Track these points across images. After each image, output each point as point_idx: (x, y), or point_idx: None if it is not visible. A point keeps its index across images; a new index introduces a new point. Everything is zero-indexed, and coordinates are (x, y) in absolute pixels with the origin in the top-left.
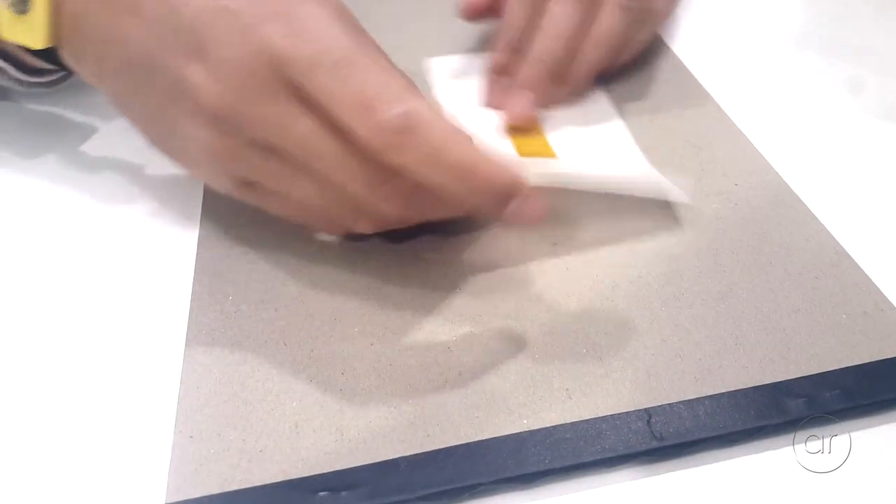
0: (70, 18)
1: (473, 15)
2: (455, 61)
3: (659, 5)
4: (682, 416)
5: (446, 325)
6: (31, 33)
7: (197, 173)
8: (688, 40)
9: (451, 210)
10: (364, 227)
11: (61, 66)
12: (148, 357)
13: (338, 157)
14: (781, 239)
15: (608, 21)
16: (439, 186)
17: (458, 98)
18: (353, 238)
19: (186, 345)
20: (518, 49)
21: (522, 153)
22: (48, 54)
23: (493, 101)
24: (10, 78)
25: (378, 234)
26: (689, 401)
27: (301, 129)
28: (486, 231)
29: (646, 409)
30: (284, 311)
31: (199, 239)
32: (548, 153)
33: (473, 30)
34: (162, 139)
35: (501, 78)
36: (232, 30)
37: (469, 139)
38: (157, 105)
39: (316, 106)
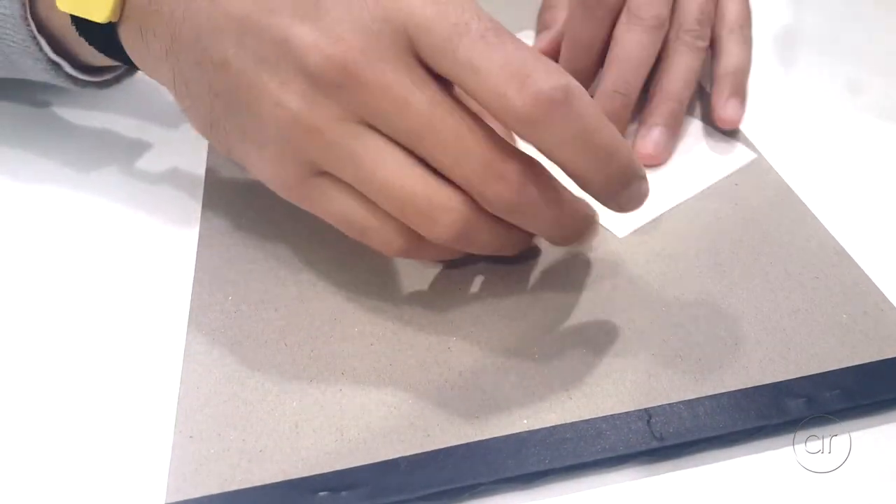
0: None
1: None
2: None
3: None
4: (683, 416)
5: (446, 325)
6: (95, 4)
7: (261, 160)
8: None
9: (556, 209)
10: (440, 233)
11: (113, 63)
12: (148, 357)
13: (457, 129)
14: (781, 239)
15: (684, 59)
16: (576, 168)
17: None
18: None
19: (186, 345)
20: (578, 70)
21: None
22: (100, 44)
23: None
24: (65, 76)
25: None
26: (690, 401)
27: (423, 98)
28: None
29: (646, 409)
30: (284, 311)
31: (199, 239)
32: None
33: None
34: (228, 119)
35: None
36: None
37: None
38: (240, 75)
39: (443, 77)
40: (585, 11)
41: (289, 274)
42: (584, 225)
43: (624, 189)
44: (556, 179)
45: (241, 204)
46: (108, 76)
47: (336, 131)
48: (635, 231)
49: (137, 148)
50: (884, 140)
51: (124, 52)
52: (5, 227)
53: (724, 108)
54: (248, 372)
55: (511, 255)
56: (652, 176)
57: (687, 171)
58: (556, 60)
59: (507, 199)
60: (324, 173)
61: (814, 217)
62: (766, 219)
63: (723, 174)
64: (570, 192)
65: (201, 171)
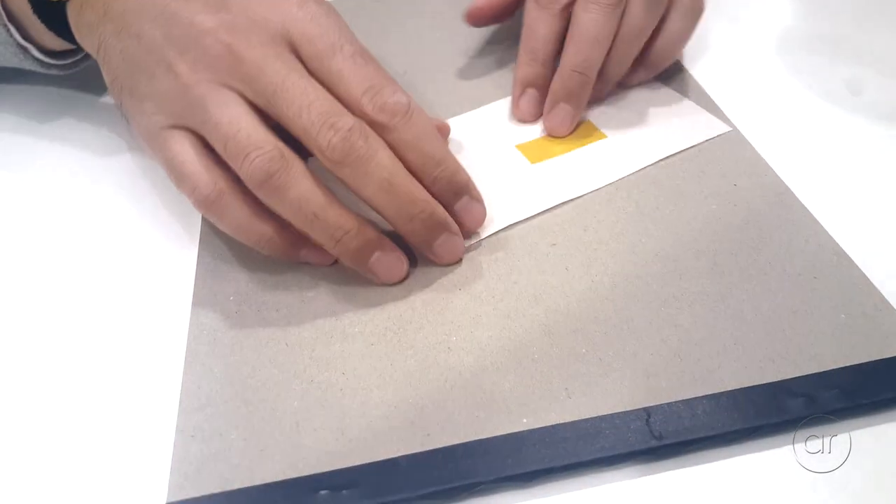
0: None
1: (480, 20)
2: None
3: None
4: (682, 415)
5: (446, 325)
6: None
7: (140, 112)
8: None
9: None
10: (249, 168)
11: (69, 46)
12: (150, 357)
13: (304, 90)
14: (781, 239)
15: (635, 13)
16: (415, 168)
17: (471, 116)
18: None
19: (188, 345)
20: (543, 60)
21: (533, 160)
22: (56, 29)
23: (528, 115)
24: (33, 59)
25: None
26: (689, 400)
27: (282, 66)
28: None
29: (645, 409)
30: (285, 312)
31: (200, 239)
32: (555, 153)
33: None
34: (127, 78)
35: (532, 90)
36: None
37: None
38: (149, 45)
39: (317, 74)
40: (540, 9)
41: (290, 274)
42: (423, 213)
43: (455, 197)
44: (391, 155)
45: None
46: (68, 60)
47: (202, 88)
48: (635, 231)
49: (138, 150)
50: (884, 140)
51: (73, 36)
52: (8, 227)
53: (629, 77)
54: (249, 372)
55: (336, 252)
56: (624, 138)
57: (658, 136)
58: None
59: (335, 144)
60: (180, 127)
61: (813, 218)
62: (765, 219)
63: (695, 141)
64: (414, 182)
65: None
